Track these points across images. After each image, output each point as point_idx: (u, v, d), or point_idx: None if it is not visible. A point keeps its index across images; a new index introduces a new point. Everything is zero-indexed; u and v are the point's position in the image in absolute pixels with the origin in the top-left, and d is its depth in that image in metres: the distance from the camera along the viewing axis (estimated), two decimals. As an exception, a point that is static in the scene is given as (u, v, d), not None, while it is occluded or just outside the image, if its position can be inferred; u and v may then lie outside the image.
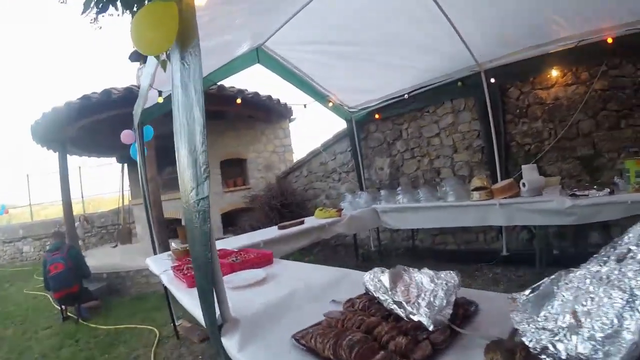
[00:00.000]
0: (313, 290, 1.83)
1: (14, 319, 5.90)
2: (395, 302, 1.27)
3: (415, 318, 1.19)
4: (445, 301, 1.22)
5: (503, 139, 5.07)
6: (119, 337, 4.45)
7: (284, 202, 7.85)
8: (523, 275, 4.56)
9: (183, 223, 8.00)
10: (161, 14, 1.52)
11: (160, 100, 3.76)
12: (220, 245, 3.37)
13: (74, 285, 5.28)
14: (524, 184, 4.07)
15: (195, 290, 2.08)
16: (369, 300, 1.40)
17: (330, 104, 5.98)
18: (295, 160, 9.47)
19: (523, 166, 4.38)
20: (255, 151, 9.32)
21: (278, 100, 8.56)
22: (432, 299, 1.22)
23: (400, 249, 6.35)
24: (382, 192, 5.45)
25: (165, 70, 2.07)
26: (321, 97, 5.86)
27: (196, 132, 1.42)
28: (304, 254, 4.88)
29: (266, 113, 8.81)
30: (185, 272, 2.44)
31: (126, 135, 4.79)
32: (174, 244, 3.44)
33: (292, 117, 9.82)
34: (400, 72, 5.26)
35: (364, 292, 1.49)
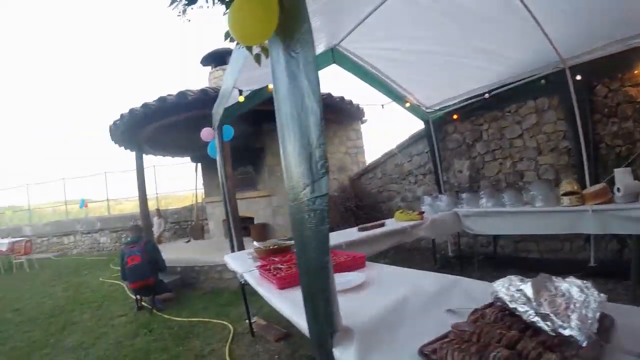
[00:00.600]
0: (422, 298, 1.69)
1: (90, 304, 6.29)
2: (539, 314, 1.12)
3: (566, 332, 1.04)
4: (597, 314, 1.07)
5: (591, 141, 4.66)
6: (192, 329, 4.56)
7: (359, 204, 7.82)
8: (614, 289, 4.15)
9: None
10: (258, 2, 1.45)
11: (242, 99, 3.77)
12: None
13: (150, 277, 5.52)
14: (618, 189, 3.70)
15: (288, 293, 2.05)
16: (501, 311, 1.26)
17: (408, 104, 5.79)
18: (367, 162, 9.42)
19: (616, 170, 3.97)
20: (328, 152, 9.16)
21: (350, 102, 8.54)
22: (583, 311, 1.08)
23: (480, 255, 6.02)
24: (464, 195, 5.23)
25: (260, 64, 2.03)
26: (398, 97, 5.69)
27: (310, 124, 1.33)
28: (379, 257, 4.75)
29: (338, 114, 8.79)
30: (274, 272, 2.39)
31: (206, 133, 4.87)
32: (256, 243, 3.41)
33: (364, 118, 9.73)
34: (479, 70, 4.95)
35: (491, 301, 1.35)
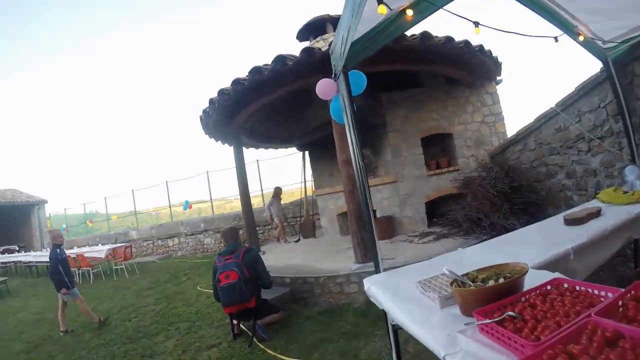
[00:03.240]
0: None
1: (179, 325, 5.24)
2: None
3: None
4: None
5: None
6: (307, 379, 3.13)
7: (512, 185, 5.95)
8: None
9: None
10: None
11: (383, 10, 2.08)
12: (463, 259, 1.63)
13: (250, 298, 4.26)
14: None
15: None
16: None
17: (581, 38, 3.81)
18: (508, 133, 7.40)
19: None
20: (462, 123, 7.38)
21: (490, 53, 6.31)
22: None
23: None
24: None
25: None
26: (568, 29, 3.72)
27: None
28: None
29: (472, 72, 6.74)
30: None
31: (324, 86, 3.22)
32: (446, 270, 1.59)
33: (499, 78, 7.52)
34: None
35: None
